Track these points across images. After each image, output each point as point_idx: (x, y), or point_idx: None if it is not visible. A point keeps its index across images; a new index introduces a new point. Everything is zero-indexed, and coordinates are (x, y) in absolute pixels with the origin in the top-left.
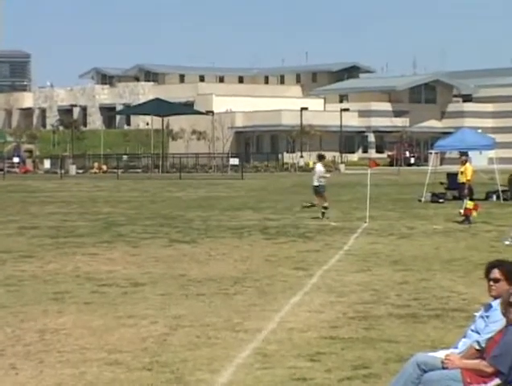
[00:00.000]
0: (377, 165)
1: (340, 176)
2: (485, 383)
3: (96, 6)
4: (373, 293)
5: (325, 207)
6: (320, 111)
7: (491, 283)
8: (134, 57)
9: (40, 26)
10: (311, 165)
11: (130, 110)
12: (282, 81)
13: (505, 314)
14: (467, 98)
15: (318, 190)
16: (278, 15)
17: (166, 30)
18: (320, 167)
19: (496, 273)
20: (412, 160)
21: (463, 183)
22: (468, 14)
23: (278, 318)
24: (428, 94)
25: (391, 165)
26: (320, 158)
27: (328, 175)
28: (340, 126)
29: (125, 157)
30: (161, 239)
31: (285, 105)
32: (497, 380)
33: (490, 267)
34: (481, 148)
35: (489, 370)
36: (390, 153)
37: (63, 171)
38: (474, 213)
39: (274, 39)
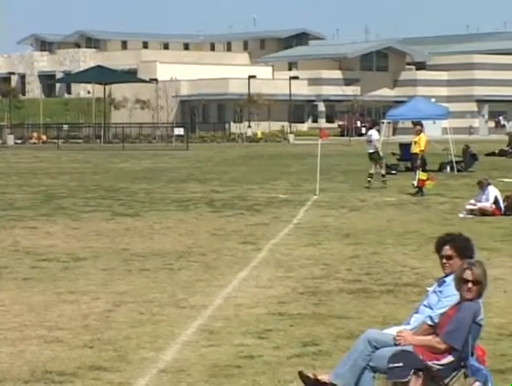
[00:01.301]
0: (328, 135)
1: (289, 147)
2: (438, 359)
3: None
4: (324, 267)
5: (371, 175)
6: (269, 79)
7: (444, 261)
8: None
9: None
10: (259, 135)
11: (71, 78)
12: (229, 48)
13: (459, 289)
14: (420, 66)
15: (374, 157)
16: None
17: None
18: (375, 134)
19: (448, 250)
20: (363, 130)
21: (416, 154)
22: None
23: (224, 294)
24: (380, 62)
25: (342, 135)
26: (374, 124)
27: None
28: (290, 95)
29: (65, 126)
30: (103, 212)
31: (232, 73)
32: (449, 357)
33: (441, 243)
34: (434, 117)
35: (442, 347)
36: (340, 122)
37: (0, 141)
38: (430, 184)
39: (220, 3)
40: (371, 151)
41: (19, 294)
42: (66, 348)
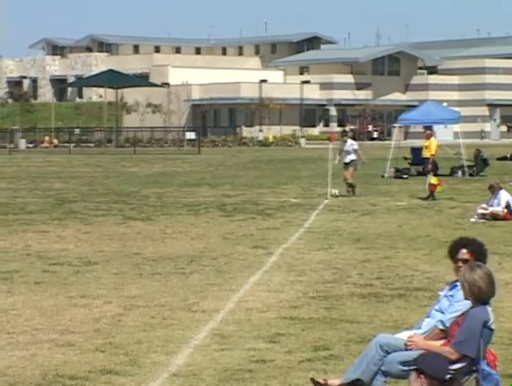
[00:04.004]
0: (338, 139)
1: (300, 151)
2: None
3: None
4: (335, 271)
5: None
6: (280, 83)
7: (460, 264)
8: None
9: None
10: (270, 139)
11: (83, 82)
12: (240, 52)
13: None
14: (432, 70)
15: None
16: None
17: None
18: (355, 143)
19: (465, 254)
20: (375, 134)
21: (427, 158)
22: None
23: (236, 298)
24: (392, 66)
25: (354, 139)
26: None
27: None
28: (301, 99)
29: (77, 130)
30: (115, 216)
31: (243, 77)
32: (461, 363)
33: (458, 247)
34: (446, 122)
35: (454, 356)
36: (352, 127)
37: (12, 146)
38: (439, 189)
39: (231, 8)
40: (351, 160)
41: (31, 298)
42: (77, 352)
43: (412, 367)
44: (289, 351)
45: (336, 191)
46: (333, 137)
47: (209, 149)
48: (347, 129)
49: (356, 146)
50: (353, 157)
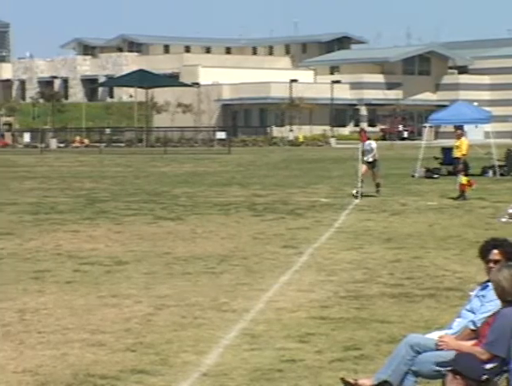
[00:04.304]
0: (369, 138)
1: (330, 151)
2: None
3: None
4: (365, 271)
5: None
6: (310, 83)
7: (491, 265)
8: (117, 27)
9: None
10: (300, 139)
11: (113, 82)
12: (270, 52)
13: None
14: (462, 70)
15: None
16: None
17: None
18: (373, 143)
19: (496, 255)
20: (405, 134)
21: (458, 158)
22: None
23: (266, 298)
24: (422, 66)
25: (384, 139)
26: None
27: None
28: (331, 99)
29: (107, 130)
30: (145, 216)
31: (274, 77)
32: (492, 363)
33: (489, 247)
34: (477, 121)
35: (485, 357)
36: (382, 126)
37: (43, 145)
38: (469, 189)
39: (262, 8)
40: (371, 160)
41: (62, 297)
42: (108, 351)
43: (448, 368)
44: (319, 350)
45: (354, 191)
46: (365, 136)
47: (239, 149)
48: (364, 128)
49: (373, 145)
50: (373, 156)
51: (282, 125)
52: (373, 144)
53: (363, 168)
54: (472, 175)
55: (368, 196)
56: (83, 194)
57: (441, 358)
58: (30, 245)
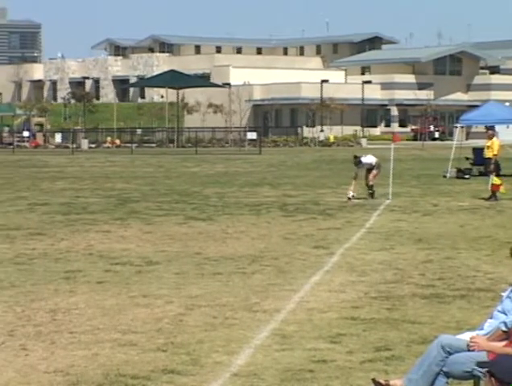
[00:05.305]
0: (401, 139)
1: (361, 151)
2: None
3: None
4: (396, 272)
5: None
6: (341, 83)
7: None
8: (148, 28)
9: None
10: (331, 139)
11: (144, 82)
12: (301, 53)
13: None
14: (494, 70)
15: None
16: None
17: (181, 0)
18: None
19: None
20: (437, 134)
21: (489, 158)
22: None
23: (297, 298)
24: (454, 66)
25: (415, 139)
26: None
27: None
28: (362, 99)
29: (139, 131)
30: (176, 216)
31: (305, 77)
32: None
33: None
34: (508, 122)
35: None
36: (413, 127)
37: (74, 146)
38: (501, 189)
39: (293, 8)
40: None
41: (93, 298)
42: (139, 351)
43: (485, 370)
44: (350, 351)
45: (354, 194)
46: (396, 137)
47: (270, 150)
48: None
49: (372, 160)
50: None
51: (312, 126)
52: (373, 159)
53: (370, 175)
54: (504, 176)
55: (400, 196)
56: (114, 194)
57: (474, 359)
58: (62, 245)
